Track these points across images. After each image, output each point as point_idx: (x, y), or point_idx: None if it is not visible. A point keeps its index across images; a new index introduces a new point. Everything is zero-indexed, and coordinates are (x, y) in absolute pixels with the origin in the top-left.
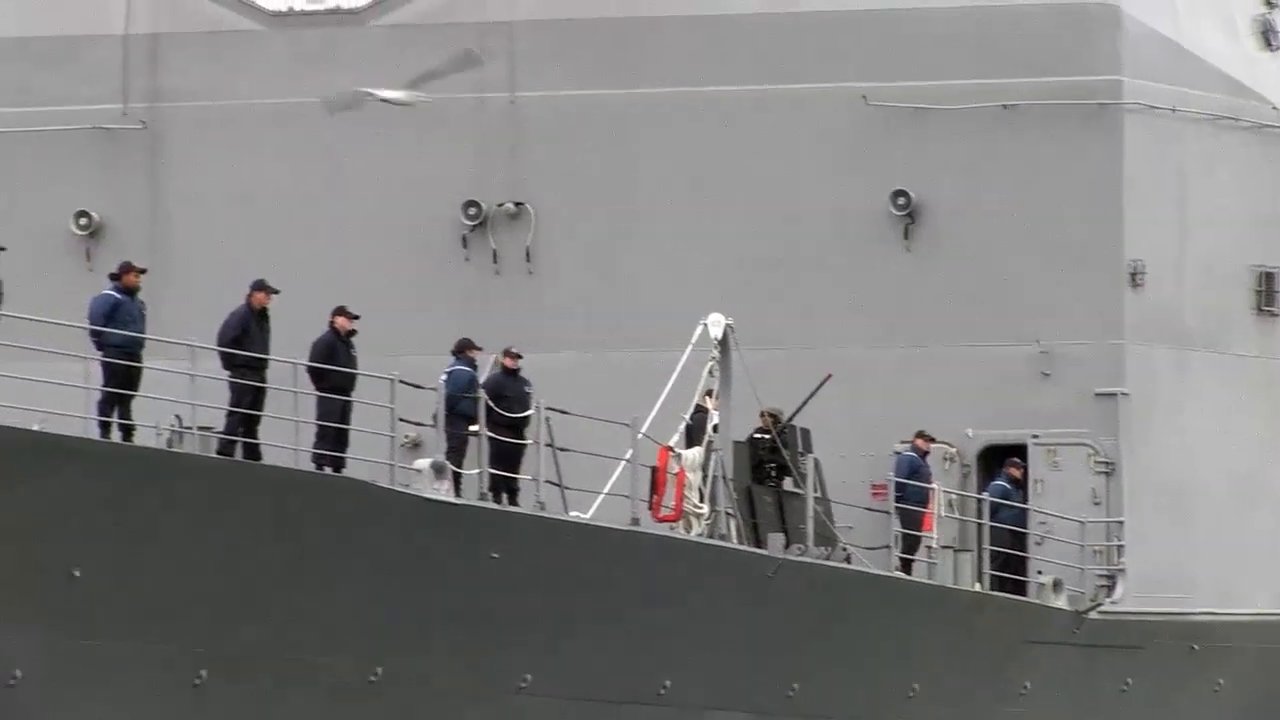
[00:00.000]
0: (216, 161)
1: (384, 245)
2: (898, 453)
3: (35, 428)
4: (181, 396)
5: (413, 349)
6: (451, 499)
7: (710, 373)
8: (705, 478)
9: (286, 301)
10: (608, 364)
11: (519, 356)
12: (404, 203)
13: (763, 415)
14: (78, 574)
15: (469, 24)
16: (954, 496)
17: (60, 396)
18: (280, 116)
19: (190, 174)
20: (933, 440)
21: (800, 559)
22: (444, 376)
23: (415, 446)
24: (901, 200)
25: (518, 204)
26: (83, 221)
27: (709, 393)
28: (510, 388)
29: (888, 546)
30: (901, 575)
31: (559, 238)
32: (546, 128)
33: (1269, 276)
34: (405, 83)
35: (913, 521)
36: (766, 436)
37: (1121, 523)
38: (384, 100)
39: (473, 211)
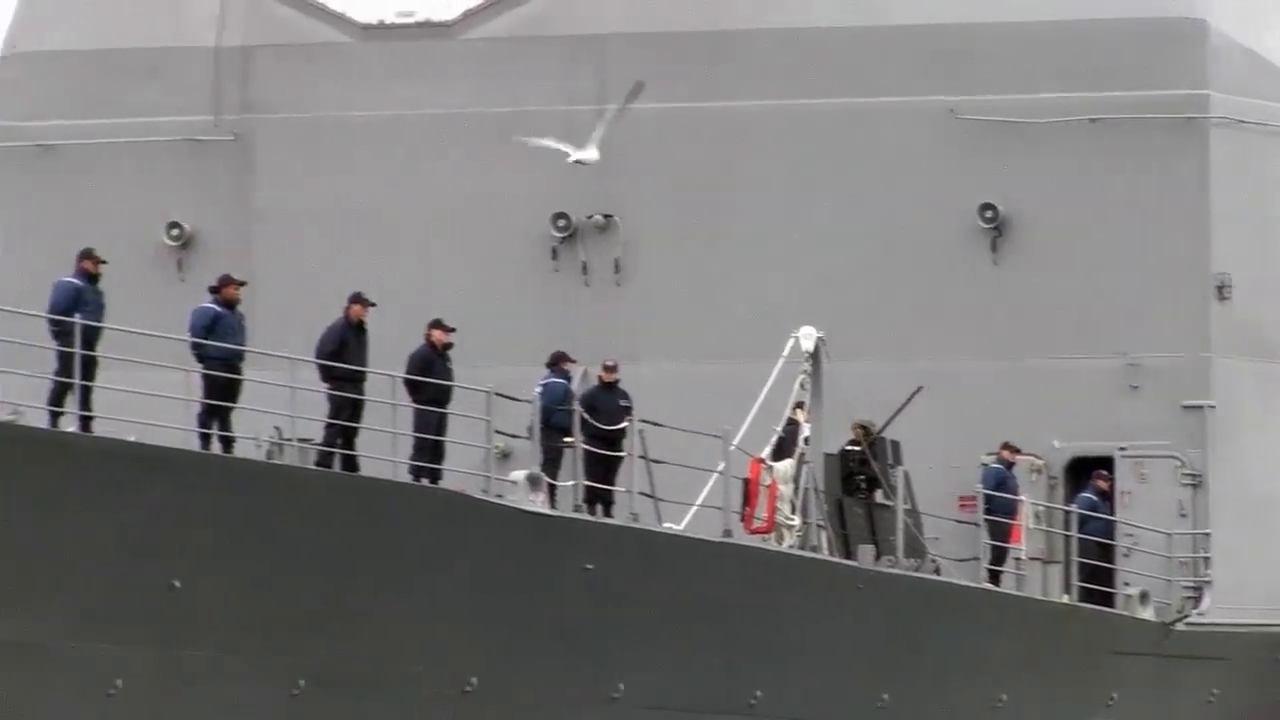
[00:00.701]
0: (306, 173)
1: (474, 257)
2: (984, 465)
3: (130, 439)
4: (281, 408)
5: (502, 360)
6: (547, 510)
7: (801, 385)
8: (797, 490)
9: (379, 314)
10: (695, 375)
11: (615, 369)
12: (494, 215)
13: (854, 427)
14: (178, 585)
15: (560, 37)
16: (1041, 508)
17: (161, 408)
18: (371, 129)
19: (280, 186)
20: (1018, 452)
21: (890, 571)
22: (539, 389)
23: (505, 457)
24: (989, 213)
25: (607, 216)
26: (174, 232)
27: (799, 405)
28: (605, 400)
29: (976, 558)
30: (990, 587)
31: (647, 250)
32: (636, 140)
33: None
34: (593, 140)
35: (1000, 533)
36: (857, 449)
37: (1208, 535)
38: (575, 160)
39: (562, 224)
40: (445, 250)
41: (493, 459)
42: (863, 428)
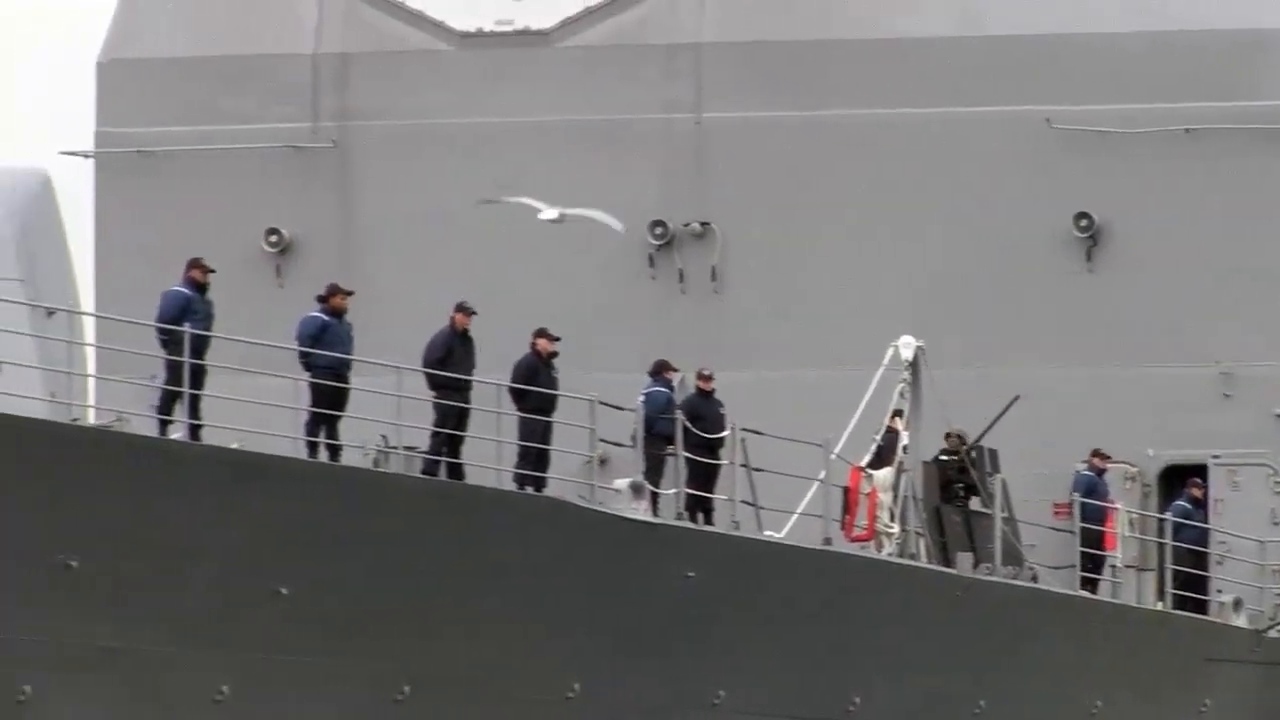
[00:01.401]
0: (405, 180)
1: (572, 264)
2: (1078, 471)
3: (234, 446)
4: (387, 417)
5: (600, 367)
6: (649, 518)
7: (901, 394)
8: (896, 498)
9: (479, 321)
10: (791, 382)
11: (711, 378)
12: (591, 222)
13: (948, 436)
14: (284, 591)
15: (656, 46)
16: (1135, 516)
17: (268, 416)
18: (469, 136)
19: (379, 192)
20: (1109, 459)
21: (988, 578)
22: (642, 397)
23: (603, 463)
24: (1084, 222)
25: (704, 224)
26: (273, 239)
27: (898, 413)
28: (705, 409)
29: (1072, 566)
30: (1086, 594)
31: (744, 257)
32: (732, 148)
33: None
34: (557, 207)
35: (1093, 540)
36: (955, 457)
37: None
38: (540, 216)
39: (659, 231)
40: (543, 257)
41: (590, 466)
42: (957, 436)
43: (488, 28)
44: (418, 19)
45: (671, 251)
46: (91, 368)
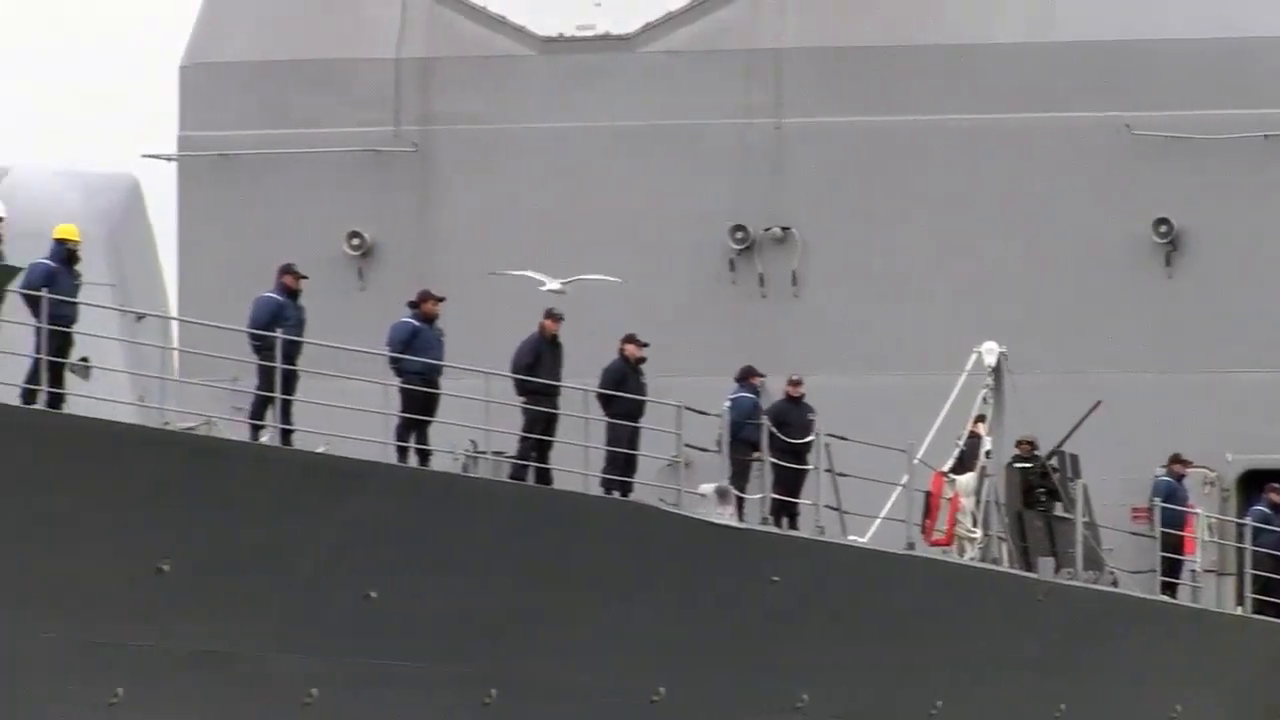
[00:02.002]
0: (486, 185)
1: (652, 269)
2: (1157, 477)
3: (319, 450)
4: (476, 422)
5: (680, 371)
6: (735, 523)
7: (984, 399)
8: (978, 503)
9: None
10: (870, 386)
11: (800, 383)
12: (672, 227)
13: (1019, 444)
14: (373, 595)
15: (736, 51)
16: (1214, 521)
17: (358, 421)
18: (550, 141)
19: (460, 196)
20: (1188, 464)
21: (1069, 583)
22: (728, 403)
23: (686, 467)
24: (1163, 228)
25: (784, 228)
26: (355, 242)
27: (980, 418)
28: (793, 414)
29: (1152, 570)
30: (1167, 599)
31: (824, 262)
32: (812, 153)
33: None
34: (568, 279)
35: (1172, 545)
36: (1033, 463)
37: None
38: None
39: (740, 236)
40: (624, 262)
41: (672, 470)
42: (1028, 443)
43: (569, 33)
44: (500, 24)
45: (752, 256)
46: (177, 372)
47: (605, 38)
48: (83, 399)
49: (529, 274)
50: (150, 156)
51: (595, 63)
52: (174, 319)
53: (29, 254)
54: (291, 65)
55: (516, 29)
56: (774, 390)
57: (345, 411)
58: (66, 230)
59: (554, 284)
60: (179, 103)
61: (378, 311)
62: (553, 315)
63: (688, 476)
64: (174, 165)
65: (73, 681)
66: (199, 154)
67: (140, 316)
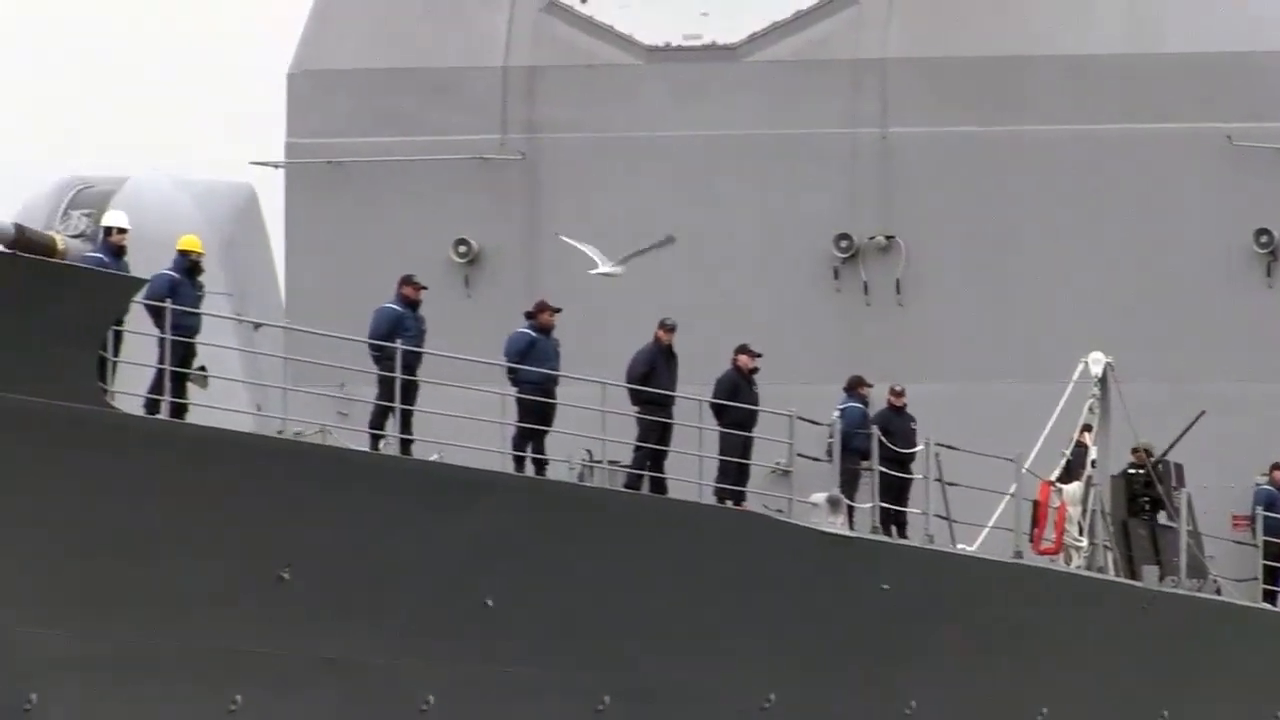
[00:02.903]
0: (592, 193)
1: (757, 277)
2: (1258, 485)
3: (434, 458)
4: (592, 432)
5: (784, 379)
6: (846, 532)
7: (1090, 409)
8: (1084, 511)
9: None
10: (974, 395)
11: (903, 393)
12: (777, 235)
13: (1134, 451)
14: (490, 603)
15: (842, 61)
16: None
17: (475, 430)
18: (655, 150)
19: (566, 204)
20: None
21: (1173, 591)
22: (837, 413)
23: (785, 474)
24: (1264, 238)
25: (888, 237)
26: (462, 249)
27: (1086, 428)
28: (898, 424)
29: (1254, 578)
30: (1268, 606)
31: (929, 270)
32: (917, 163)
33: None
34: (616, 260)
35: (1276, 553)
36: (1142, 471)
37: None
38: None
39: (844, 244)
40: (727, 271)
41: (777, 477)
42: (1144, 450)
43: (675, 42)
44: (606, 33)
45: (856, 264)
46: (290, 379)
47: (711, 47)
48: (202, 408)
49: (586, 249)
50: (258, 164)
51: (701, 72)
52: (291, 328)
53: (146, 262)
54: (399, 73)
55: (623, 38)
56: (873, 399)
57: (462, 421)
58: (189, 242)
59: (608, 267)
60: (287, 110)
61: (484, 319)
62: (667, 325)
63: (790, 485)
64: (281, 172)
65: (193, 688)
66: (306, 161)
67: (257, 326)
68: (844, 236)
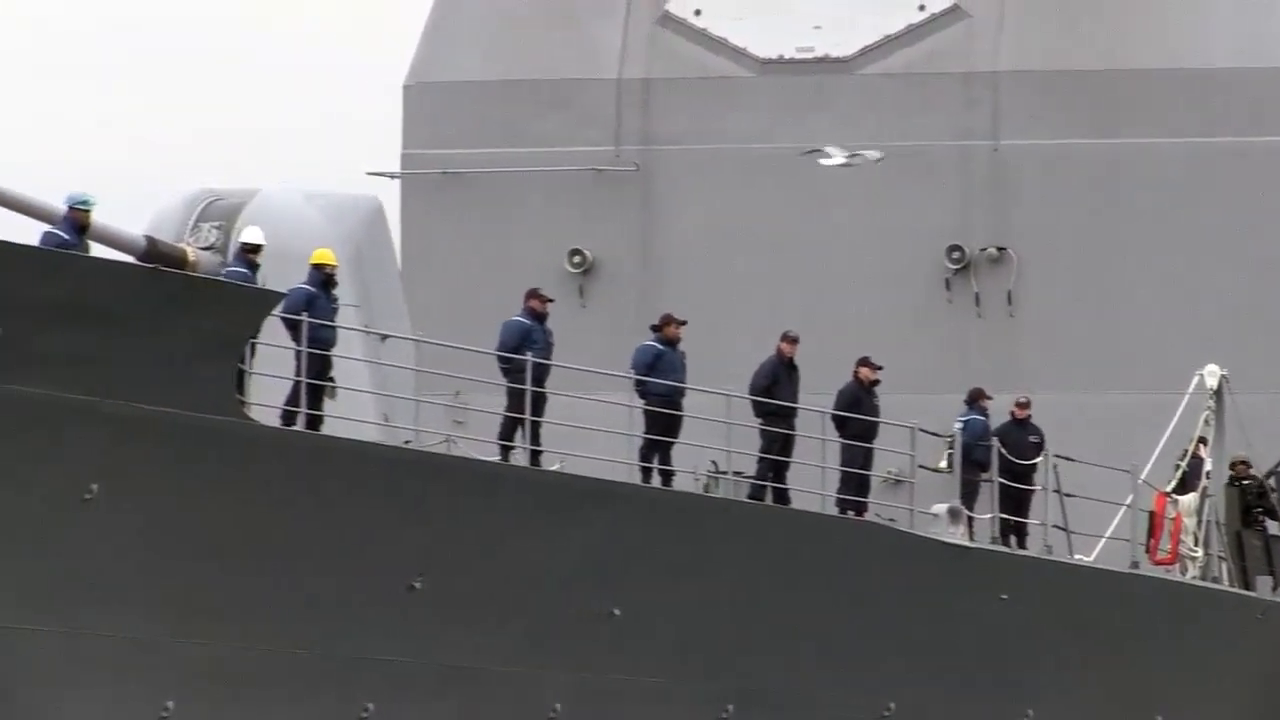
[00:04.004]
0: (706, 204)
1: (869, 288)
2: None
3: (555, 467)
4: (717, 443)
5: (896, 389)
6: (966, 543)
7: (1206, 421)
8: (1199, 522)
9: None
10: (1086, 405)
11: (1028, 405)
12: (889, 247)
13: (1233, 464)
14: (617, 612)
15: (953, 74)
16: None
17: (603, 441)
18: (769, 161)
19: (680, 215)
20: None
21: None
22: (960, 424)
23: (897, 483)
24: None
25: (1000, 249)
26: (576, 259)
27: (1201, 440)
28: (1019, 435)
29: None
30: None
31: (1040, 281)
32: (1029, 175)
33: None
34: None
35: None
36: (1251, 482)
37: None
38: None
39: (956, 255)
40: (841, 282)
41: (895, 488)
42: (1242, 463)
43: (788, 55)
44: (720, 45)
45: (968, 275)
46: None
47: (824, 60)
48: (331, 418)
49: (826, 148)
50: (374, 174)
51: (814, 85)
52: (418, 340)
53: (276, 275)
54: (514, 85)
55: (737, 51)
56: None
57: (589, 431)
58: (324, 255)
59: (840, 156)
60: (403, 122)
61: (598, 329)
62: (789, 338)
63: (909, 495)
64: (397, 183)
65: (325, 696)
66: (422, 172)
67: (384, 337)
68: (956, 248)
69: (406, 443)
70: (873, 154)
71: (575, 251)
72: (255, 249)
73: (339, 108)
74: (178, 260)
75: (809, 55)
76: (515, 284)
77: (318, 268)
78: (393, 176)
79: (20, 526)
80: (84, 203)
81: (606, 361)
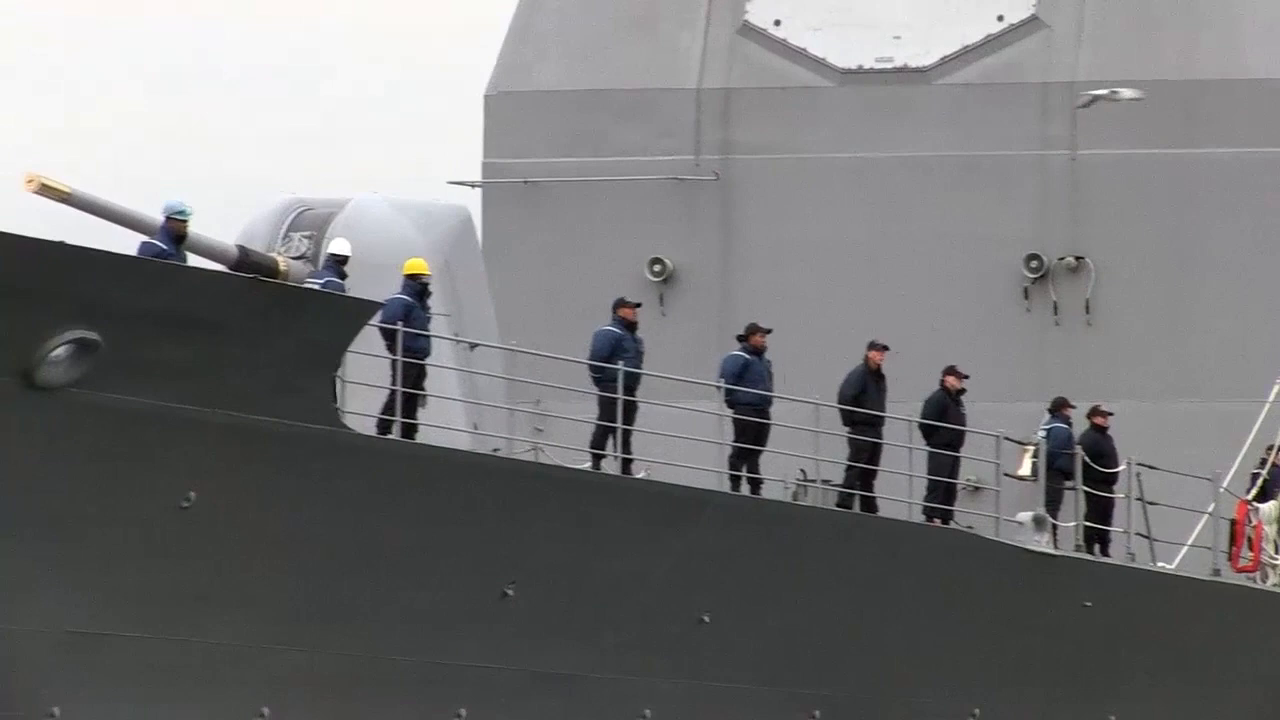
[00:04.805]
0: (785, 213)
1: (947, 297)
2: None
3: (642, 474)
4: (805, 451)
5: (975, 397)
6: (1051, 550)
7: None
8: None
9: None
10: (1165, 414)
11: (1109, 414)
12: (968, 255)
13: None
14: (706, 619)
15: (1032, 84)
16: None
17: (691, 450)
18: (848, 172)
19: (760, 225)
20: None
21: None
22: (1043, 433)
23: (975, 491)
24: None
25: (1078, 258)
26: (656, 268)
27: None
28: (1102, 444)
29: None
30: None
31: (1118, 291)
32: (1106, 184)
33: None
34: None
35: None
36: None
37: None
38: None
39: (1034, 264)
40: (920, 290)
41: (978, 495)
42: None
43: (868, 65)
44: (800, 56)
45: (1046, 284)
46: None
47: (903, 70)
48: (422, 426)
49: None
50: (455, 184)
51: (893, 94)
52: (510, 349)
53: (368, 284)
54: (595, 94)
55: (816, 61)
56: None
57: (679, 440)
58: (418, 265)
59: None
60: (483, 131)
61: (679, 337)
62: (878, 346)
63: (984, 502)
64: (478, 192)
65: (420, 703)
66: (503, 181)
67: (473, 346)
68: (1034, 257)
69: (495, 451)
70: (1130, 93)
71: (655, 260)
72: (343, 260)
73: (418, 115)
74: (270, 270)
75: (888, 65)
76: (595, 293)
77: (413, 278)
78: (474, 185)
79: (120, 533)
80: (181, 213)
81: (686, 370)
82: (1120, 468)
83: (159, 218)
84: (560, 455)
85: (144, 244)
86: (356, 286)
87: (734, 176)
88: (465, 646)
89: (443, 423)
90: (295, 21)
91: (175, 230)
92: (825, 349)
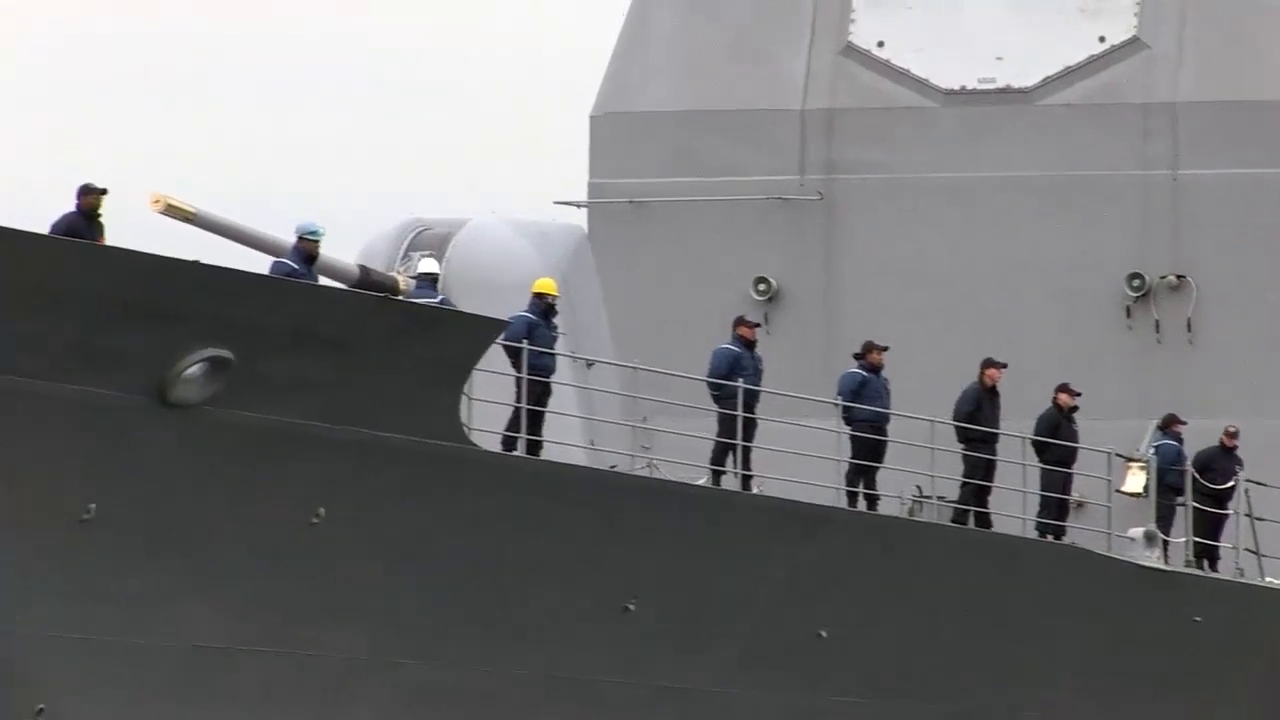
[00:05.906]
0: (889, 233)
1: (1051, 315)
2: None
3: (754, 491)
4: (921, 468)
5: (1080, 414)
6: (1162, 566)
7: None
8: None
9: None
10: (1267, 431)
11: (1236, 435)
12: (1070, 274)
13: None
14: (824, 634)
15: (1133, 104)
16: None
17: (810, 465)
18: (951, 191)
19: (864, 244)
20: None
21: None
22: (1153, 450)
23: (1079, 506)
24: None
25: (1180, 277)
26: (761, 287)
27: None
28: (1222, 462)
29: None
30: None
31: (1220, 309)
32: (1209, 203)
33: None
34: None
35: None
36: None
37: None
38: None
39: (1136, 283)
40: (1022, 309)
41: (1090, 512)
42: None
43: (971, 85)
44: (903, 76)
45: (1148, 303)
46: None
47: (1006, 91)
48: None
49: None
50: (561, 204)
51: (996, 115)
52: (628, 366)
53: (487, 304)
54: (700, 115)
55: (919, 81)
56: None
57: (796, 456)
58: (546, 285)
59: None
60: (589, 151)
61: (784, 355)
62: (995, 364)
63: (1091, 518)
64: (584, 212)
65: (539, 716)
66: (609, 201)
67: (590, 363)
68: (1136, 276)
69: (613, 467)
70: None
71: (760, 279)
72: (434, 279)
73: (528, 137)
74: (390, 288)
75: (991, 86)
76: (700, 312)
77: (539, 296)
78: (580, 205)
79: (249, 548)
80: (313, 233)
81: (792, 387)
82: (1232, 483)
83: (278, 236)
84: (673, 471)
85: (276, 263)
86: (474, 306)
87: (837, 196)
88: (587, 660)
89: (561, 439)
90: (400, 39)
91: (307, 250)
92: (932, 367)
